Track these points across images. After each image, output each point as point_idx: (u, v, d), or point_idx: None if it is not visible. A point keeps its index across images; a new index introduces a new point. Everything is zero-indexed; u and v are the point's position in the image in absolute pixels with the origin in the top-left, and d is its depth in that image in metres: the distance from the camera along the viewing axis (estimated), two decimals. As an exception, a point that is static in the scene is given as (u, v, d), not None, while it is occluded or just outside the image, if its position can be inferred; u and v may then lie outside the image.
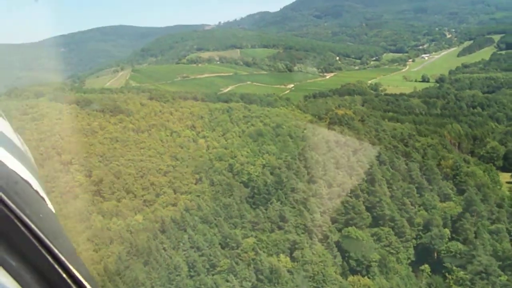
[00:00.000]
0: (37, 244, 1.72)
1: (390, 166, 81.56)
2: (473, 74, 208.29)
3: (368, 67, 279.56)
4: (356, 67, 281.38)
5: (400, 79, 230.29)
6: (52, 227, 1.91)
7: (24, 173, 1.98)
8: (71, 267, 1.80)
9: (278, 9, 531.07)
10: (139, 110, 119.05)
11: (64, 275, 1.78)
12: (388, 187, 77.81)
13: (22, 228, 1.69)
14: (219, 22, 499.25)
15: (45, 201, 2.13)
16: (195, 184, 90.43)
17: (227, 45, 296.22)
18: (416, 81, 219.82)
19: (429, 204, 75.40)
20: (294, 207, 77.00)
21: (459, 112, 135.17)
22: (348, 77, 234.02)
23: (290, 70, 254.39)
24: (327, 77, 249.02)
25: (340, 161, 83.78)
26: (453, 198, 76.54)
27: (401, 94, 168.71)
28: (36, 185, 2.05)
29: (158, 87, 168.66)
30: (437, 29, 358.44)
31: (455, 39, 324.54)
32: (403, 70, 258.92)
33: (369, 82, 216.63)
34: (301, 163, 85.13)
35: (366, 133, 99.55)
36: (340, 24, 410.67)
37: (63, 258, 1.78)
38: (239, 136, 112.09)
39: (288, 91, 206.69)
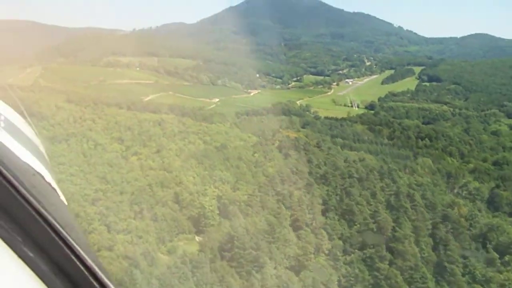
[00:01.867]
0: (54, 236, 1.71)
1: (403, 213, 62.09)
2: (405, 104, 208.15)
3: (291, 87, 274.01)
4: (278, 86, 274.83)
5: (328, 102, 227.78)
6: (65, 218, 1.91)
7: (37, 165, 2.04)
8: (87, 257, 1.78)
9: (195, 21, 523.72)
10: (54, 114, 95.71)
11: (81, 267, 1.76)
12: (415, 245, 57.14)
13: (40, 221, 1.69)
14: (134, 29, 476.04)
15: (57, 193, 2.19)
16: (134, 219, 65.41)
17: (144, 52, 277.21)
18: (345, 105, 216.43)
19: (479, 274, 54.38)
20: (296, 270, 53.54)
21: (411, 143, 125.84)
22: (273, 95, 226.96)
23: (213, 84, 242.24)
24: (251, 94, 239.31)
25: (330, 201, 64.64)
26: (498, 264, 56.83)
27: (342, 119, 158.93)
28: (48, 177, 2.11)
29: (74, 89, 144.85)
30: (355, 55, 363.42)
31: (375, 67, 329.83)
32: (329, 93, 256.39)
33: (298, 102, 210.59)
34: (274, 198, 65.13)
35: (334, 163, 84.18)
36: (258, 42, 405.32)
37: (79, 249, 1.76)
38: (177, 155, 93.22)
39: (214, 105, 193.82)
